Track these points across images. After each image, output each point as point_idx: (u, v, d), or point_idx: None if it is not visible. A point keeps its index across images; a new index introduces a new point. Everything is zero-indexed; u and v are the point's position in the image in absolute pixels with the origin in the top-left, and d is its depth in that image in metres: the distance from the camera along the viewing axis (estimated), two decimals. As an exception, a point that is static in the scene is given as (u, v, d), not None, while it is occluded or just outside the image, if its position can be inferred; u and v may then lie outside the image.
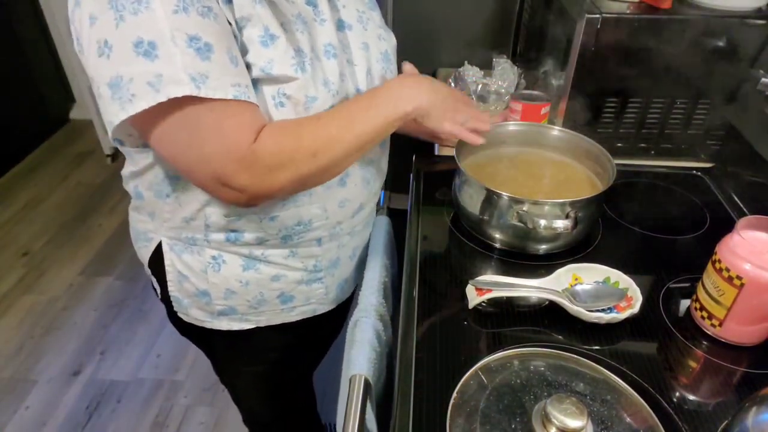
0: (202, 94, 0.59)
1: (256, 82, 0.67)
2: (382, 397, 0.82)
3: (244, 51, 0.66)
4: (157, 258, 0.85)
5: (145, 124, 0.64)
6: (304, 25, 0.70)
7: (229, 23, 0.64)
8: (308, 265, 0.86)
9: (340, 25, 0.77)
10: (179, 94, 0.58)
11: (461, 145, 0.91)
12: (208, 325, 0.89)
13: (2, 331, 1.99)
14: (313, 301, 0.91)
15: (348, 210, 0.85)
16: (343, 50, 0.76)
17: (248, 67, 0.66)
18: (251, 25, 0.65)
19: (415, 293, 0.82)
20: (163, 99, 0.58)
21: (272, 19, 0.66)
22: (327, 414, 1.50)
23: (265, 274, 0.83)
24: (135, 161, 0.77)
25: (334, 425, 1.09)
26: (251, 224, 0.78)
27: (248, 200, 0.69)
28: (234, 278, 0.82)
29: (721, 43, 1.00)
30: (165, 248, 0.83)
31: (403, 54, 1.03)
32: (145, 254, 0.87)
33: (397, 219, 1.07)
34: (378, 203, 1.06)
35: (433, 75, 1.52)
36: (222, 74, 0.61)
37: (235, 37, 0.65)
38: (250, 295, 0.85)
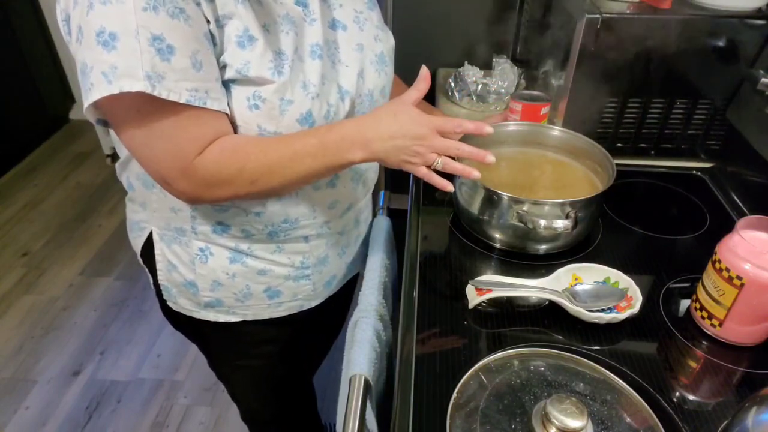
0: (156, 93, 0.60)
1: (232, 83, 0.67)
2: (382, 397, 0.82)
3: (222, 50, 0.66)
4: (148, 247, 0.86)
5: (109, 114, 0.66)
6: (291, 25, 0.70)
7: (208, 21, 0.63)
8: (295, 262, 0.86)
9: (333, 25, 0.77)
10: (132, 89, 0.59)
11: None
12: (196, 315, 0.90)
13: (2, 331, 1.99)
14: (300, 297, 0.92)
15: (337, 210, 0.85)
16: (330, 51, 0.75)
17: (225, 67, 0.66)
18: (232, 23, 0.65)
19: (415, 293, 0.82)
20: (115, 91, 0.59)
21: (253, 21, 0.66)
22: (327, 414, 1.50)
23: (251, 267, 0.84)
24: (121, 149, 0.79)
25: (334, 425, 1.09)
26: (237, 218, 0.79)
27: (189, 202, 0.73)
28: (221, 270, 0.83)
29: (721, 43, 1.00)
30: (155, 238, 0.84)
31: (403, 54, 1.03)
32: (137, 243, 0.89)
33: (397, 219, 1.06)
34: (378, 203, 1.06)
35: (433, 75, 1.51)
36: (180, 78, 0.61)
37: (213, 36, 0.64)
38: (237, 288, 0.85)
